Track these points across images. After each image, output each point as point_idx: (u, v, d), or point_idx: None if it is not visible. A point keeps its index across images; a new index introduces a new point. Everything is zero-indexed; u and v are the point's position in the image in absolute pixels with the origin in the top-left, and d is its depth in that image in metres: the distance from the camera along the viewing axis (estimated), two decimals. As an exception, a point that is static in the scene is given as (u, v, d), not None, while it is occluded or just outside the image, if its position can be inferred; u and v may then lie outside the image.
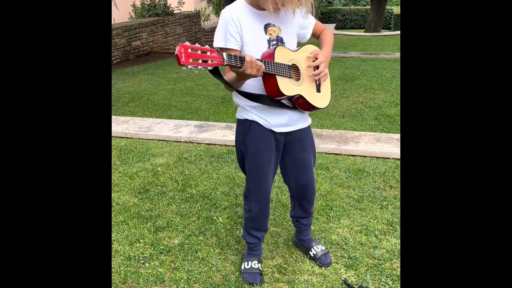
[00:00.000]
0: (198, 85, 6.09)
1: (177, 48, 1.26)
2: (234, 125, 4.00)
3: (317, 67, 1.68)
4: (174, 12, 10.74)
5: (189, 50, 1.28)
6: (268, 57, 1.54)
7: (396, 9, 19.76)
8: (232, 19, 1.56)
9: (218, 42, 1.60)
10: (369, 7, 17.81)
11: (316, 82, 1.71)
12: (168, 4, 10.63)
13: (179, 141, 3.73)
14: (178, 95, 5.57)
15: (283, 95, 1.57)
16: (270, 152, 1.74)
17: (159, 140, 3.79)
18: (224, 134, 3.76)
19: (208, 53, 1.33)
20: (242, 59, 1.42)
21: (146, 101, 5.30)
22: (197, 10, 12.10)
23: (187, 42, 1.31)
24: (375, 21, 15.49)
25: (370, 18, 15.95)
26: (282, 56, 1.56)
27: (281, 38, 1.64)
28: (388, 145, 3.37)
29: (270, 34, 1.62)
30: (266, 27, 1.61)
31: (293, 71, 1.63)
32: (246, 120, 1.72)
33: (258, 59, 1.47)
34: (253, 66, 1.43)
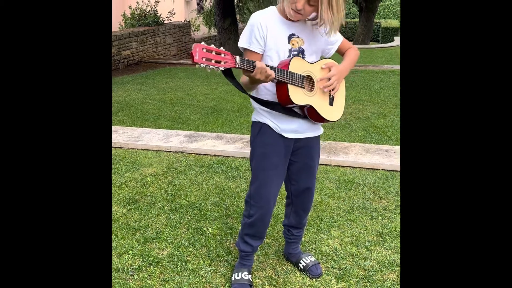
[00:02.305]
0: (188, 95, 6.08)
1: (193, 46, 1.39)
2: (224, 135, 4.02)
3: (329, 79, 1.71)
4: (165, 22, 10.77)
5: (204, 50, 1.39)
6: (283, 66, 1.60)
7: (384, 22, 20.06)
8: (260, 24, 1.62)
9: (242, 43, 1.66)
10: (358, 20, 18.06)
11: (329, 95, 1.74)
12: (159, 14, 10.66)
13: (168, 151, 3.71)
14: (167, 105, 5.56)
15: (293, 103, 1.62)
16: (278, 158, 1.76)
17: (149, 150, 3.77)
18: (214, 144, 3.75)
19: (222, 55, 1.43)
20: (254, 64, 1.50)
21: (136, 110, 5.27)
22: (188, 20, 12.14)
23: (203, 42, 1.42)
24: (363, 34, 15.72)
25: (358, 31, 16.18)
26: (297, 67, 1.62)
27: (303, 49, 1.68)
28: (377, 156, 3.39)
29: (293, 44, 1.66)
30: (290, 37, 1.66)
31: (307, 81, 1.67)
32: (258, 122, 1.76)
33: (272, 66, 1.55)
34: (263, 73, 1.50)
